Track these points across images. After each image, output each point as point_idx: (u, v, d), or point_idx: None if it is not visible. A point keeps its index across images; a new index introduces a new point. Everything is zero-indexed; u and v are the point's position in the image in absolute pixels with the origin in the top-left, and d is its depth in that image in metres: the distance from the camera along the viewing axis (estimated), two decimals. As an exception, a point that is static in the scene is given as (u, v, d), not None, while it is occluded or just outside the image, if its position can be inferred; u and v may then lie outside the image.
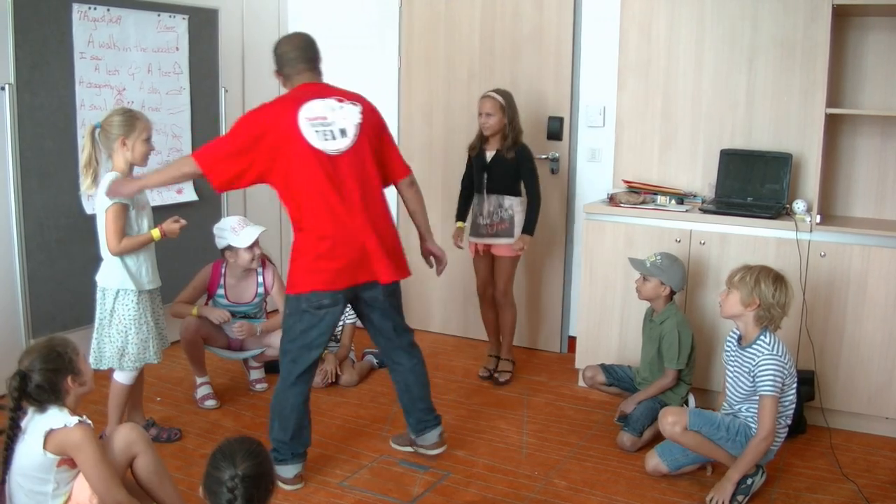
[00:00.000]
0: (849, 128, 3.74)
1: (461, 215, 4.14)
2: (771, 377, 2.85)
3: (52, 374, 2.27)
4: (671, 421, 3.00)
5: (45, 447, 2.24)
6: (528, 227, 3.96)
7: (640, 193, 3.95)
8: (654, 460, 3.12)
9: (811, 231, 3.51)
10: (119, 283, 3.05)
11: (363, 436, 3.49)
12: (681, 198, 3.90)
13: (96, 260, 3.89)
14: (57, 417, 2.27)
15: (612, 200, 3.97)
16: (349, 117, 2.92)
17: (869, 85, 3.68)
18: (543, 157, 4.47)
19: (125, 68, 3.92)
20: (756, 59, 3.83)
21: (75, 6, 3.65)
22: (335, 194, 2.86)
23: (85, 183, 3.07)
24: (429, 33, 4.72)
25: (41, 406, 2.28)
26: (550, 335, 4.64)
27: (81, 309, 3.85)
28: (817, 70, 3.59)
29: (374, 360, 4.32)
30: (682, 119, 4.02)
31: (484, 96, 3.92)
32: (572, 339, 4.42)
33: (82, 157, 3.08)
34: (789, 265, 3.50)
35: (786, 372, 2.89)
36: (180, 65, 4.20)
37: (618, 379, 3.71)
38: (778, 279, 2.93)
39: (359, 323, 4.45)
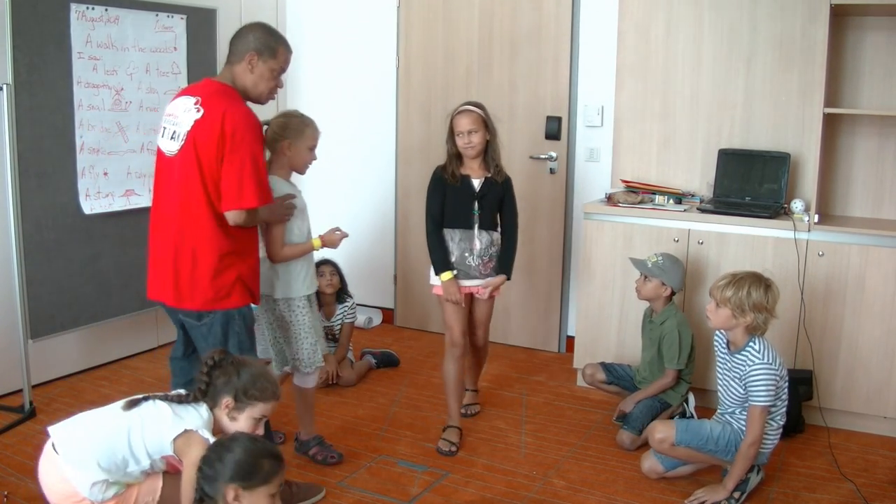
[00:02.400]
0: (847, 127, 3.74)
1: (446, 263, 3.37)
2: (764, 387, 2.83)
3: (232, 392, 2.32)
4: (659, 438, 2.99)
5: (174, 440, 2.25)
6: (509, 268, 3.43)
7: (638, 193, 3.95)
8: (650, 461, 3.12)
9: (809, 230, 3.51)
10: (294, 291, 3.01)
11: (362, 436, 3.49)
12: (679, 197, 3.91)
13: (94, 260, 3.90)
14: (199, 419, 2.30)
15: (611, 200, 3.97)
16: (187, 121, 2.63)
17: (867, 85, 3.68)
18: (542, 157, 4.47)
19: (123, 68, 3.91)
20: (754, 59, 3.83)
21: (73, 6, 3.65)
22: (158, 196, 2.75)
23: None
24: (427, 33, 4.72)
25: (203, 392, 2.34)
26: (549, 335, 4.64)
27: (80, 309, 3.85)
28: (815, 70, 3.59)
29: (373, 361, 4.32)
30: (680, 119, 4.02)
31: (461, 111, 3.29)
32: (571, 339, 4.42)
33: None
34: (787, 265, 3.51)
35: (778, 378, 2.87)
36: (178, 65, 4.19)
37: (618, 377, 3.72)
38: (767, 287, 2.88)
39: (357, 322, 4.49)
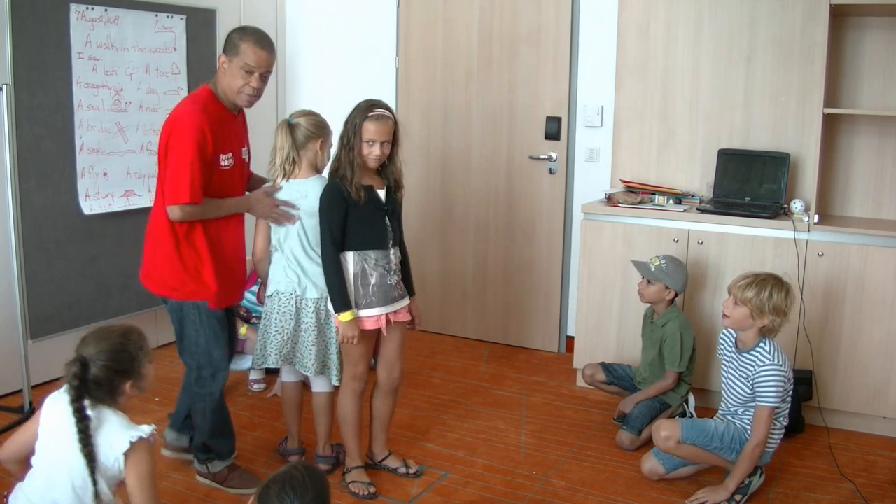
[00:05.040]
0: (846, 127, 3.74)
1: (347, 299, 2.85)
2: (774, 388, 2.83)
3: (114, 375, 2.08)
4: (664, 436, 2.98)
5: (123, 466, 2.05)
6: (412, 288, 3.10)
7: (637, 193, 3.95)
8: (651, 462, 3.12)
9: (809, 231, 3.51)
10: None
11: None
12: (679, 198, 3.91)
13: (94, 260, 3.90)
14: (122, 430, 2.07)
15: (610, 200, 3.97)
16: None
17: (866, 84, 3.68)
18: (542, 157, 4.47)
19: (123, 69, 3.91)
20: (754, 59, 3.83)
21: (73, 6, 3.65)
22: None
23: (280, 175, 3.01)
24: (426, 33, 4.72)
25: (94, 402, 2.07)
26: (548, 335, 4.64)
27: (80, 310, 3.85)
28: (815, 70, 3.59)
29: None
30: (680, 119, 4.02)
31: (380, 116, 2.82)
32: (570, 339, 4.42)
33: (284, 148, 2.98)
34: (787, 265, 3.50)
35: (786, 380, 2.88)
36: (178, 65, 4.19)
37: (617, 378, 3.72)
38: (788, 289, 2.88)
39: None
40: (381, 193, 2.91)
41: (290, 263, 2.98)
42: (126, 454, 2.05)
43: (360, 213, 2.85)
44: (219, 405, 3.00)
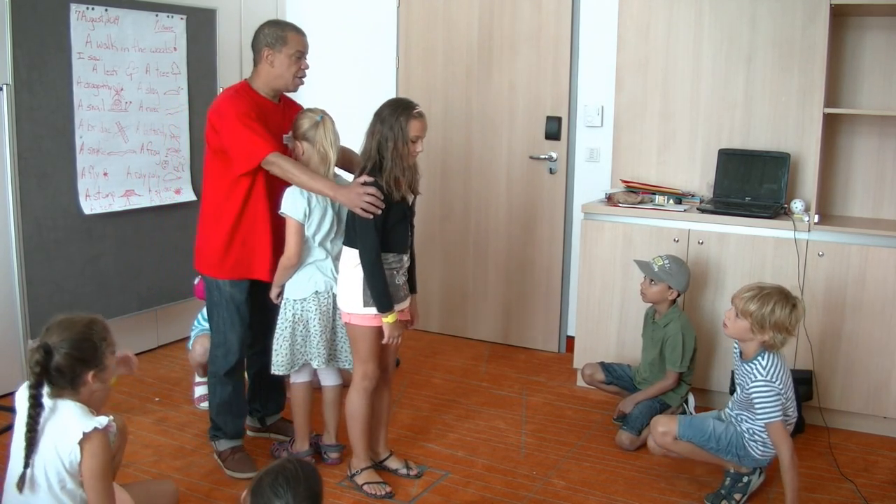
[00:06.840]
0: (847, 127, 3.74)
1: (390, 301, 2.85)
2: (767, 405, 2.77)
3: (76, 364, 2.10)
4: (661, 431, 2.97)
5: (81, 454, 2.06)
6: (415, 286, 3.12)
7: (638, 193, 3.96)
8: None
9: (809, 231, 3.51)
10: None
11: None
12: (679, 197, 3.91)
13: (94, 260, 3.90)
14: (78, 420, 2.08)
15: (611, 200, 3.97)
16: None
17: (867, 85, 3.69)
18: (542, 157, 4.47)
19: (123, 68, 3.91)
20: (754, 59, 3.83)
21: (73, 6, 3.65)
22: None
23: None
24: (427, 32, 4.72)
25: (55, 390, 2.10)
26: (549, 335, 4.64)
27: (80, 310, 3.78)
28: (815, 70, 3.59)
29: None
30: (680, 119, 4.02)
31: (421, 113, 2.87)
32: (571, 339, 4.42)
33: (339, 147, 3.05)
34: (787, 265, 3.51)
35: (782, 392, 2.79)
36: (178, 65, 4.19)
37: (617, 378, 3.72)
38: (793, 307, 2.78)
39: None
40: (409, 198, 2.94)
41: (329, 262, 3.04)
42: (81, 444, 2.07)
43: (391, 217, 2.83)
44: (228, 384, 3.12)
